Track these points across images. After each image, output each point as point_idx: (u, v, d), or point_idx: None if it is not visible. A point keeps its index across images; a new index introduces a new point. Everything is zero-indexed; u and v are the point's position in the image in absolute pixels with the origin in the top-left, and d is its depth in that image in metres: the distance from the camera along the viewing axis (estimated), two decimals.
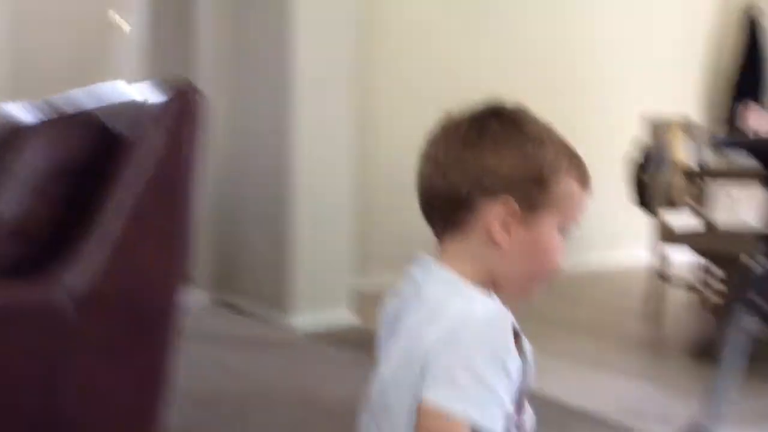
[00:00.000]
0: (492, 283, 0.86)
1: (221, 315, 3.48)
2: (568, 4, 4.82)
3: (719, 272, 3.44)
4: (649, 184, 3.60)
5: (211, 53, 3.64)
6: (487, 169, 0.83)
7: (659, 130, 3.74)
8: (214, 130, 3.66)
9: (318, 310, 3.25)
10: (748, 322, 1.96)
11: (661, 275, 3.60)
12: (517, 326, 0.81)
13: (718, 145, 2.22)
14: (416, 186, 0.89)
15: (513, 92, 4.85)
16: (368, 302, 3.49)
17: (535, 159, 0.84)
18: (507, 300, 0.85)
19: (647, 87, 5.15)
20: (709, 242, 3.40)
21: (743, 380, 1.95)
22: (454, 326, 0.79)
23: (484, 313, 0.81)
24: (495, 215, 0.83)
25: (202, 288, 3.72)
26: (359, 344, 2.98)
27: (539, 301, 3.55)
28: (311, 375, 2.60)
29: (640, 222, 3.99)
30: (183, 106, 1.38)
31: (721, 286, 3.29)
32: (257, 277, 3.49)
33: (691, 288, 3.74)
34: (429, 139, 0.89)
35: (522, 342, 0.82)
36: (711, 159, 4.13)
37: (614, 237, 5.06)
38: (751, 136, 3.09)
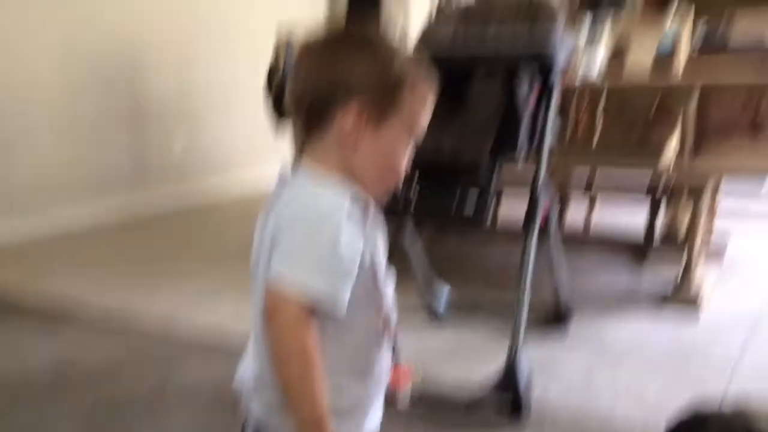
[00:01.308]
0: (352, 179, 0.93)
1: None
2: None
3: None
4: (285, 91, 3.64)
5: None
6: (341, 74, 0.91)
7: (289, 44, 3.78)
8: None
9: None
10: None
11: None
12: (372, 207, 0.92)
13: None
14: (287, 99, 0.97)
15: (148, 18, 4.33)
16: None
17: (385, 66, 0.92)
18: (368, 193, 0.94)
19: (281, 6, 5.19)
20: None
21: None
22: (301, 207, 0.88)
23: (329, 199, 0.89)
24: (349, 118, 0.91)
25: None
26: None
27: (187, 230, 3.41)
28: None
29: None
30: None
31: None
32: None
33: None
34: (296, 55, 0.97)
35: (375, 218, 0.93)
36: None
37: (264, 154, 5.14)
38: None
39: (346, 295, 0.85)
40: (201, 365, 2.09)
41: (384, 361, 0.96)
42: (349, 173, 0.93)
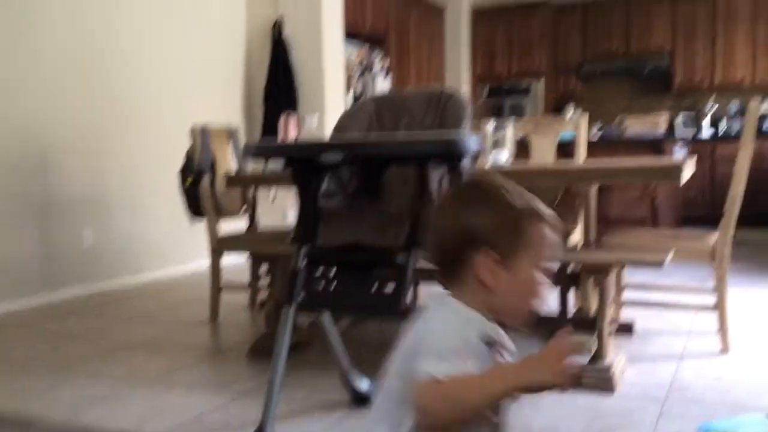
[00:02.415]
0: (495, 314, 1.06)
1: None
2: (110, 24, 4.62)
3: (267, 271, 3.64)
4: (201, 193, 3.64)
5: None
6: (468, 227, 1.04)
7: (204, 139, 3.82)
8: None
9: None
10: (293, 316, 2.07)
11: (215, 282, 3.69)
12: (499, 337, 1.06)
13: (251, 152, 2.33)
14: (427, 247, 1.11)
15: (67, 118, 4.36)
16: None
17: (505, 214, 1.04)
18: (513, 324, 1.08)
19: (196, 102, 5.26)
20: (252, 244, 3.59)
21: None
22: (441, 320, 1.03)
23: (465, 316, 1.04)
24: (482, 264, 1.03)
25: None
26: None
27: (98, 325, 3.25)
28: None
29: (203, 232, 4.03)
30: None
31: (269, 284, 3.49)
32: None
33: (245, 289, 3.92)
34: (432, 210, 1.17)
35: (502, 349, 1.06)
36: (252, 166, 4.39)
37: (180, 250, 5.07)
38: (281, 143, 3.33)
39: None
40: None
41: None
42: (492, 310, 1.06)
